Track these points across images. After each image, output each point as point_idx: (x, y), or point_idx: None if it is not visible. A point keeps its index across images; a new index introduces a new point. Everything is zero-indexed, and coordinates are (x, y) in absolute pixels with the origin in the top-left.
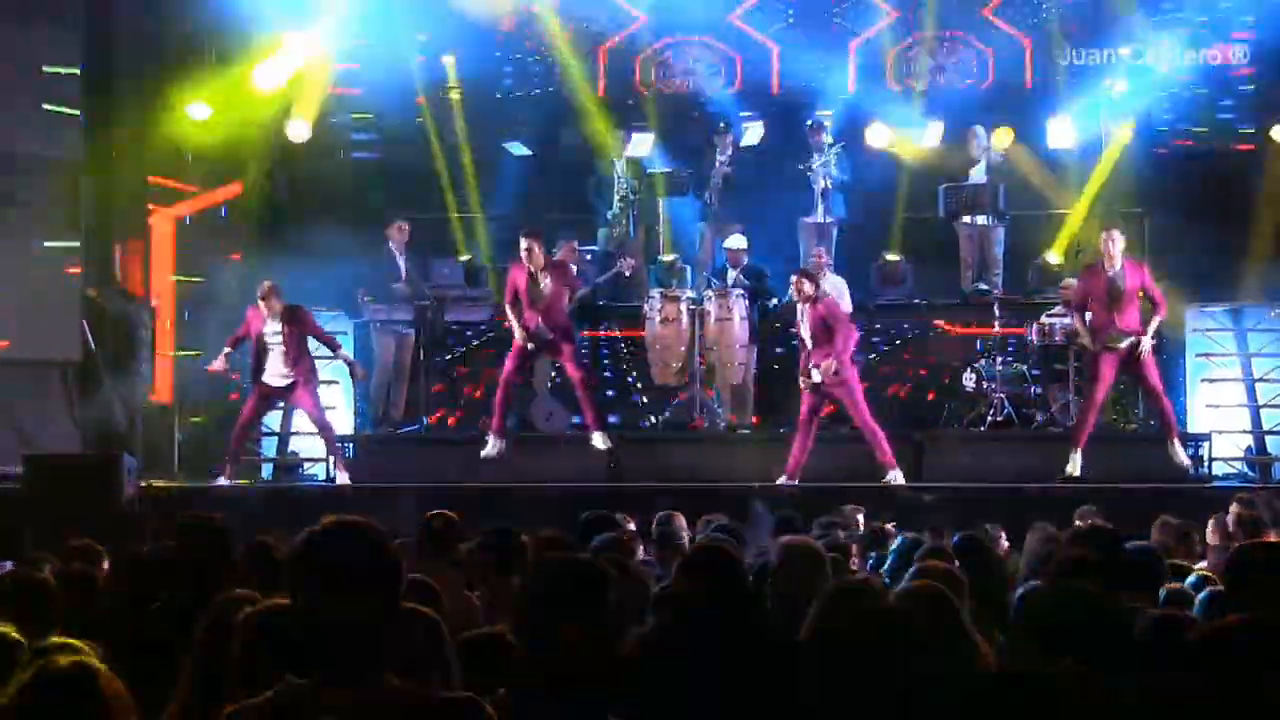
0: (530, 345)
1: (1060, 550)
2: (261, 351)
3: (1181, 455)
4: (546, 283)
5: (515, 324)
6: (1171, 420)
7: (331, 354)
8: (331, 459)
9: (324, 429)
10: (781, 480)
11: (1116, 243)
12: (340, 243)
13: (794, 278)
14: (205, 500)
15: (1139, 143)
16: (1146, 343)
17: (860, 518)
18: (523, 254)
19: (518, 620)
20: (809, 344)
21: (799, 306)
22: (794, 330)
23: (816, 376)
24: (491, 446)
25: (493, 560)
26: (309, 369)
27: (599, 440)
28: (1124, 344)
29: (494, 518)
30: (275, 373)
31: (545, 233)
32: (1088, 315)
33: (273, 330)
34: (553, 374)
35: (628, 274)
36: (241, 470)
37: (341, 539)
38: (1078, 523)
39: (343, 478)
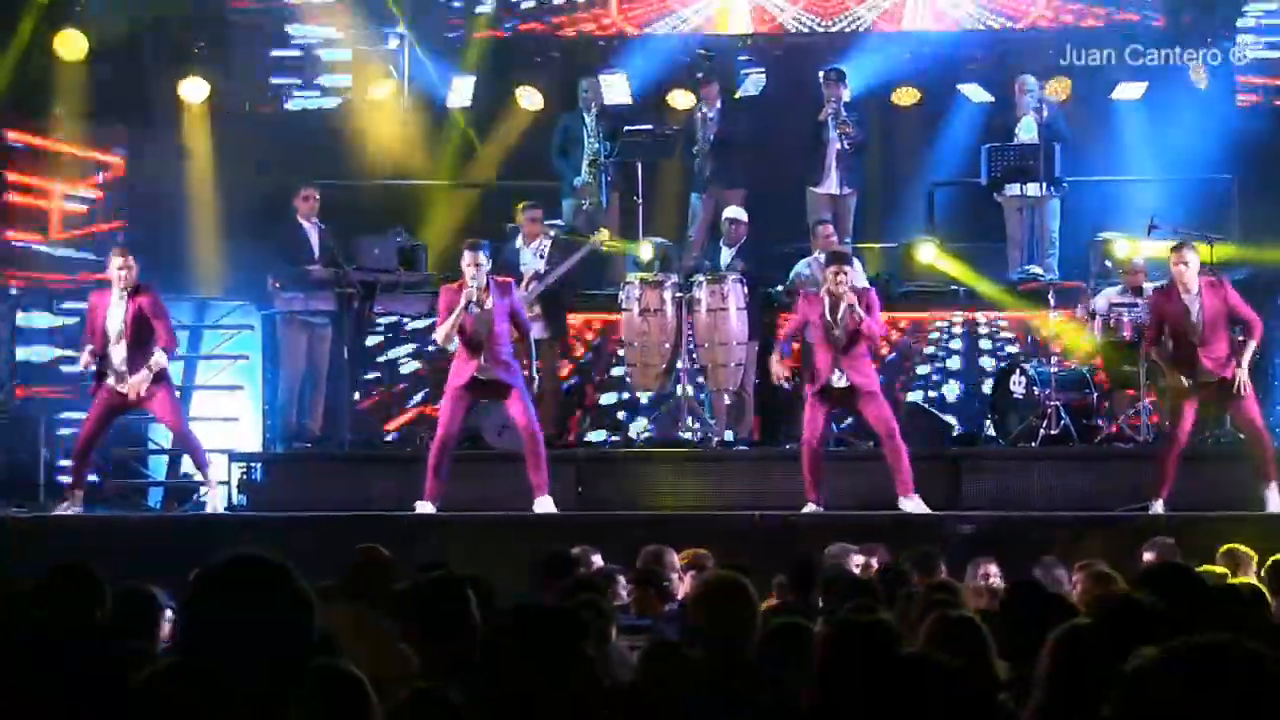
0: (473, 389)
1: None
2: (105, 343)
3: (1276, 502)
4: (489, 306)
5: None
6: (1271, 465)
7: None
8: (203, 481)
9: (185, 440)
10: (810, 508)
11: (1190, 265)
12: (246, 217)
13: (834, 268)
14: (74, 532)
15: (1219, 90)
16: (1242, 375)
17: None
18: (466, 270)
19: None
20: (840, 344)
21: (824, 299)
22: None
23: (841, 380)
24: (425, 507)
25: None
26: (164, 364)
27: (544, 505)
28: (1210, 383)
29: (433, 554)
30: (126, 375)
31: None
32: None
33: (119, 313)
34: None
35: (603, 250)
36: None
37: (240, 579)
38: (1146, 556)
39: (215, 501)
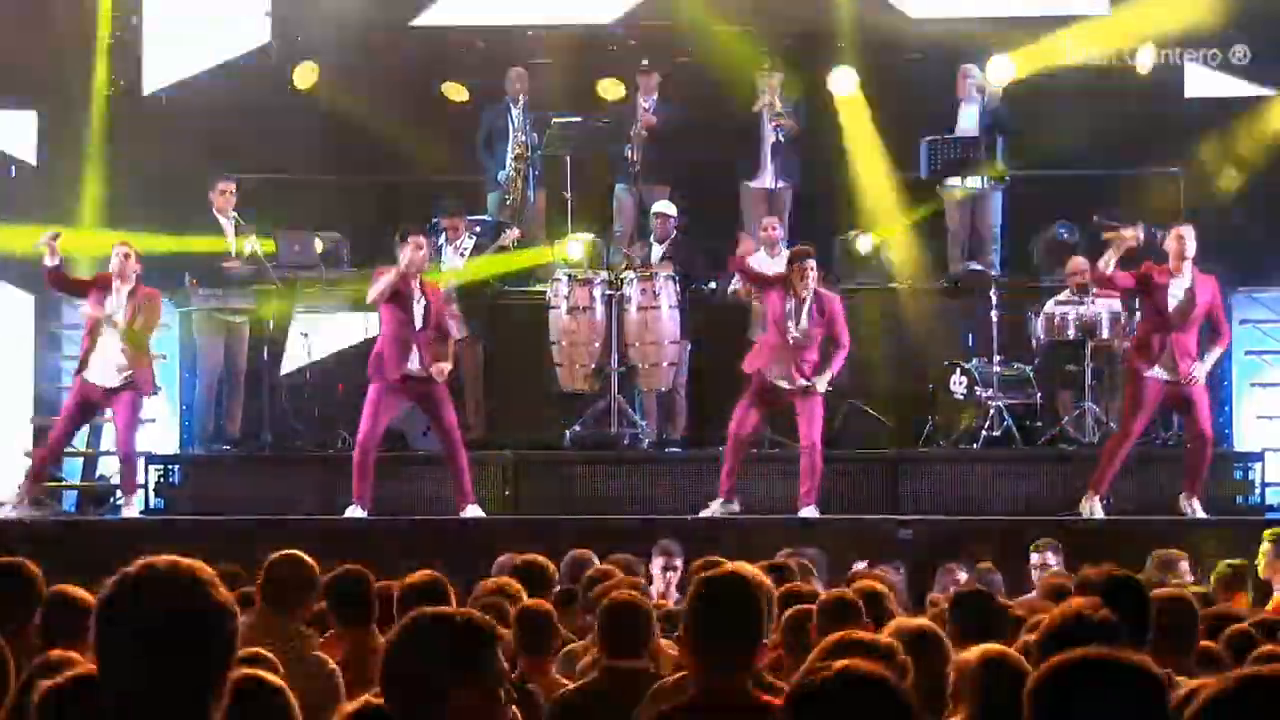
0: (402, 389)
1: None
2: (95, 337)
3: (1195, 509)
4: (425, 304)
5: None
6: (1202, 473)
7: None
8: (118, 485)
9: (127, 455)
10: (716, 505)
11: (1188, 244)
12: (163, 210)
13: (798, 264)
14: None
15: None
16: (1200, 369)
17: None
18: (406, 258)
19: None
20: (798, 345)
21: (788, 300)
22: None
23: (822, 385)
24: (355, 510)
25: (341, 611)
26: (149, 372)
27: (472, 514)
28: (1172, 375)
29: (358, 560)
30: (108, 369)
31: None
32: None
33: (117, 310)
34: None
35: (512, 248)
36: (35, 499)
37: (157, 586)
38: (1034, 558)
39: (129, 509)
